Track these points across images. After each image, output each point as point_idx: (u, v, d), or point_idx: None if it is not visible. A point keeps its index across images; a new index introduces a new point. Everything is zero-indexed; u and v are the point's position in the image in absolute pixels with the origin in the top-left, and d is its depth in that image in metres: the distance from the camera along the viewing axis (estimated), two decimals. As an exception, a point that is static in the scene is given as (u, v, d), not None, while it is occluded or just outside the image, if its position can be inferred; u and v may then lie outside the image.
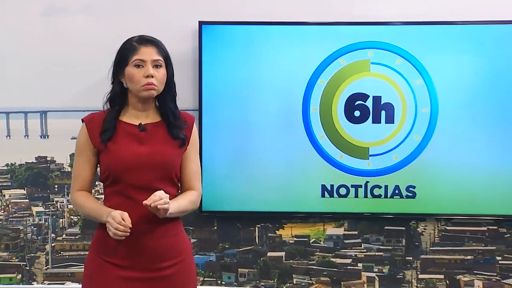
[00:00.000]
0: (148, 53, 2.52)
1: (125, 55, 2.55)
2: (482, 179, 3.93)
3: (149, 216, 2.50)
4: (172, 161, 2.61)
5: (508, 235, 4.08)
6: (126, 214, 2.42)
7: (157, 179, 2.56)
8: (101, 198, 2.72)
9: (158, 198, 2.41)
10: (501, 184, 3.92)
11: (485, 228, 4.09)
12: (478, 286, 4.11)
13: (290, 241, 4.18)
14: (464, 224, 4.10)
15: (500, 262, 4.10)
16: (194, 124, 2.74)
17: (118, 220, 2.40)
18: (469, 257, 4.12)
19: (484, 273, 4.11)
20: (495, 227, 4.09)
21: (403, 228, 4.13)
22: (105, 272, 2.57)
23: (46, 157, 4.21)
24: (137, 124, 2.59)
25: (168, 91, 2.60)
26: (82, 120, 2.63)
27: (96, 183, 3.77)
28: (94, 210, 2.56)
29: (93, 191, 2.88)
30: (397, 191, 3.98)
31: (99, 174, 2.68)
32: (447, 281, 4.13)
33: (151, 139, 2.59)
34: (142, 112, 2.60)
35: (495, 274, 4.11)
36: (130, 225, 2.41)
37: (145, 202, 2.40)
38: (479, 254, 4.11)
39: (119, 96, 2.60)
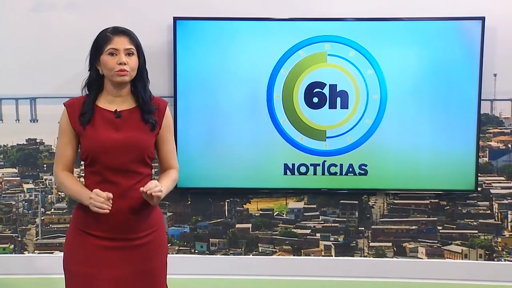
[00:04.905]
0: (121, 42, 2.50)
1: (100, 44, 2.52)
2: (426, 158, 4.03)
3: (125, 194, 2.51)
4: (145, 145, 2.58)
5: (448, 207, 4.19)
6: (110, 194, 2.42)
7: (131, 161, 2.54)
8: (83, 175, 2.68)
9: (154, 186, 2.43)
10: (442, 162, 4.02)
11: (427, 202, 4.19)
12: (422, 252, 4.21)
13: (256, 214, 4.25)
14: (409, 198, 4.19)
15: (440, 231, 4.21)
16: (167, 108, 2.69)
17: (104, 195, 2.40)
18: (413, 227, 4.22)
19: (426, 241, 4.21)
20: (437, 201, 4.18)
21: (356, 202, 4.22)
22: (84, 241, 2.55)
23: (36, 139, 4.23)
24: (113, 110, 2.56)
25: (140, 78, 2.58)
26: (64, 104, 2.59)
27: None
28: (77, 192, 2.53)
29: (78, 169, 2.85)
30: (351, 169, 4.06)
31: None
32: (395, 248, 4.23)
33: (126, 125, 2.56)
34: (118, 97, 2.58)
35: (436, 241, 4.21)
36: (110, 205, 2.43)
37: (142, 189, 2.41)
38: (423, 224, 4.21)
39: (96, 82, 2.58)
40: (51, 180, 4.22)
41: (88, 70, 2.61)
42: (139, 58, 2.57)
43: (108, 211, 2.42)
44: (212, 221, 4.25)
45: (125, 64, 2.50)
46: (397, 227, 4.22)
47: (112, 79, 2.54)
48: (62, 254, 2.63)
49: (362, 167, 4.05)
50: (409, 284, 4.14)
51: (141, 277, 2.58)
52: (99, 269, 2.53)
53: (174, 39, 3.96)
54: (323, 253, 4.25)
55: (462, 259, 4.20)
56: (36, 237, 4.25)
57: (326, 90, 4.01)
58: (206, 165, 4.07)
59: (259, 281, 4.18)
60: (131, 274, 2.56)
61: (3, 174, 4.25)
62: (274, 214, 4.24)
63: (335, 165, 4.07)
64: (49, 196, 4.25)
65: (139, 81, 2.59)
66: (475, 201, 4.18)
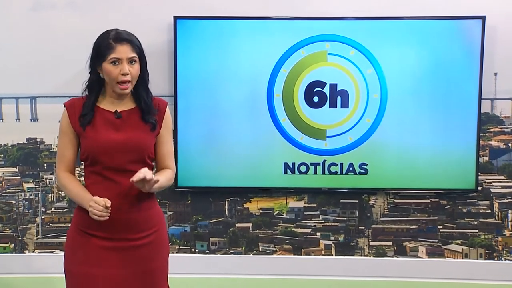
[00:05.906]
0: (123, 52, 2.46)
1: (102, 51, 2.47)
2: (426, 157, 4.00)
3: (125, 194, 2.49)
4: (145, 145, 2.56)
5: (448, 206, 4.16)
6: (109, 202, 2.41)
7: (131, 161, 2.52)
8: (83, 175, 2.66)
9: (144, 172, 2.41)
10: (442, 161, 3.99)
11: (428, 201, 4.17)
12: (422, 251, 4.19)
13: (256, 213, 4.23)
14: (410, 197, 4.17)
15: (441, 230, 4.19)
16: (167, 109, 2.66)
17: (103, 204, 2.39)
18: (414, 226, 4.19)
19: (427, 240, 4.19)
20: (437, 200, 4.16)
21: (357, 201, 4.20)
22: (85, 242, 2.53)
23: (36, 138, 4.21)
24: (114, 111, 2.54)
25: (141, 81, 2.55)
26: (64, 105, 2.56)
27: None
28: (78, 196, 2.52)
29: (78, 168, 2.84)
30: (351, 168, 4.04)
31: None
32: (395, 247, 4.21)
33: (126, 126, 2.54)
34: (118, 99, 2.55)
35: (436, 241, 4.19)
36: (109, 213, 2.42)
37: (132, 179, 2.38)
38: (423, 223, 4.18)
39: (96, 84, 2.54)
40: (52, 179, 4.20)
41: (89, 72, 2.56)
42: (141, 63, 2.53)
43: (108, 218, 2.42)
44: (212, 220, 4.23)
45: (127, 74, 2.47)
46: (398, 226, 4.20)
47: (114, 89, 2.51)
48: (62, 253, 2.61)
49: (363, 166, 4.03)
50: (410, 283, 4.12)
51: (142, 278, 2.56)
52: (100, 270, 2.51)
53: (174, 38, 3.94)
54: (323, 252, 4.23)
55: (462, 258, 4.18)
56: (36, 236, 4.23)
57: (326, 89, 3.99)
58: (206, 165, 4.05)
59: (259, 280, 4.16)
60: (132, 275, 2.54)
61: (3, 174, 4.23)
62: (275, 213, 4.22)
63: (336, 164, 4.04)
64: (50, 195, 4.23)
65: (142, 84, 2.56)
66: (476, 200, 4.15)
